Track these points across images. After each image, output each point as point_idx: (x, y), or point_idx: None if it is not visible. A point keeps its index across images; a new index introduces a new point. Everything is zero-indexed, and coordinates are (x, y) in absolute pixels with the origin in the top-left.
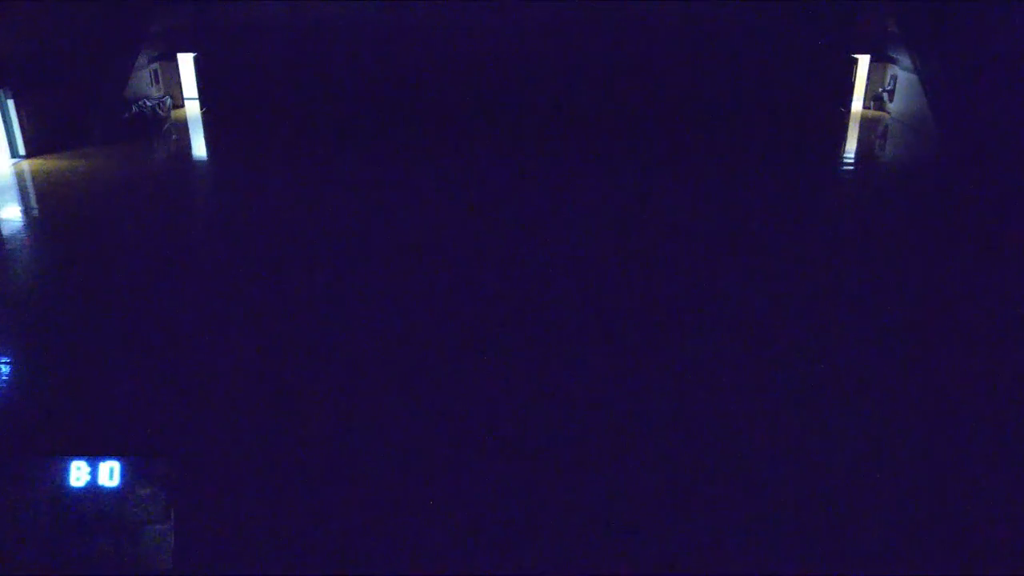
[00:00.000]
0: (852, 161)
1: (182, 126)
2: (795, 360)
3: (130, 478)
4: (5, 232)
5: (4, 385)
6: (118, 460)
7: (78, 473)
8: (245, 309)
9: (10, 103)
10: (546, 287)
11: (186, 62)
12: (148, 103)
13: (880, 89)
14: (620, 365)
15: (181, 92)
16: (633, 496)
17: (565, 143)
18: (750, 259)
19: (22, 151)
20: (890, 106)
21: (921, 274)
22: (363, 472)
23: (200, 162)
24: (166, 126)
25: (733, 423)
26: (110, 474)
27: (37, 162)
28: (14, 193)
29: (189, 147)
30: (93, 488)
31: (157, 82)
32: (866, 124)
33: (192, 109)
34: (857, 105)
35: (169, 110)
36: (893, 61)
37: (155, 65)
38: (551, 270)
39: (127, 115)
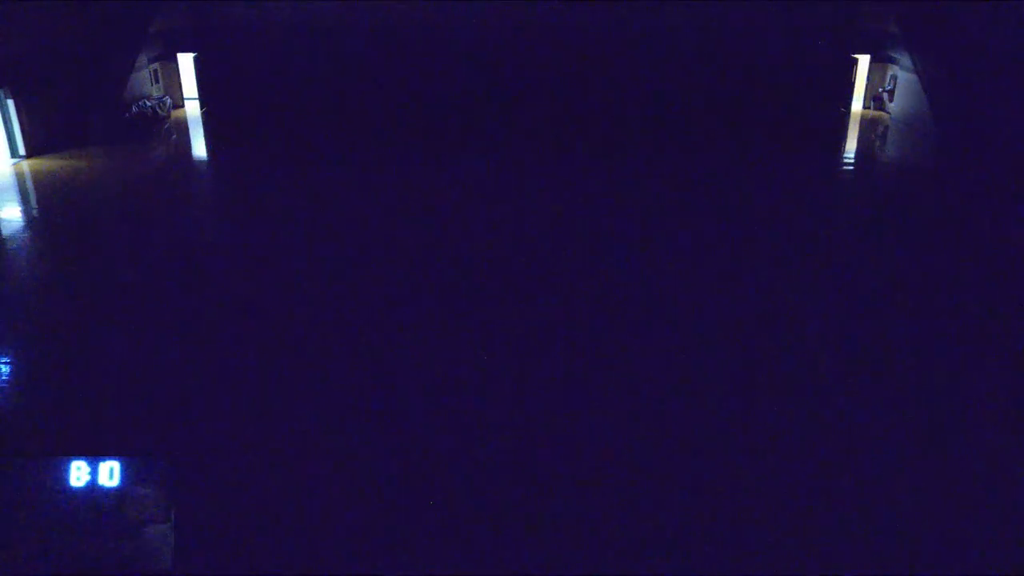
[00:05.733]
0: (852, 161)
1: (182, 126)
2: (795, 359)
3: (130, 478)
4: (5, 232)
5: (4, 385)
6: (118, 460)
7: (78, 473)
8: (245, 308)
9: (10, 103)
10: (545, 286)
11: (186, 62)
12: (148, 103)
13: (880, 89)
14: (618, 363)
15: (181, 92)
16: (631, 496)
17: (564, 143)
18: (750, 259)
19: (22, 151)
20: (890, 106)
21: (921, 274)
22: (363, 472)
23: (200, 162)
24: (166, 126)
25: (733, 423)
26: (110, 474)
27: (37, 162)
28: (14, 193)
29: (189, 147)
30: (93, 488)
31: (157, 82)
32: (866, 124)
33: (192, 109)
34: (857, 105)
35: (169, 110)
36: (893, 61)
37: (155, 65)
38: (551, 268)
39: (127, 115)
